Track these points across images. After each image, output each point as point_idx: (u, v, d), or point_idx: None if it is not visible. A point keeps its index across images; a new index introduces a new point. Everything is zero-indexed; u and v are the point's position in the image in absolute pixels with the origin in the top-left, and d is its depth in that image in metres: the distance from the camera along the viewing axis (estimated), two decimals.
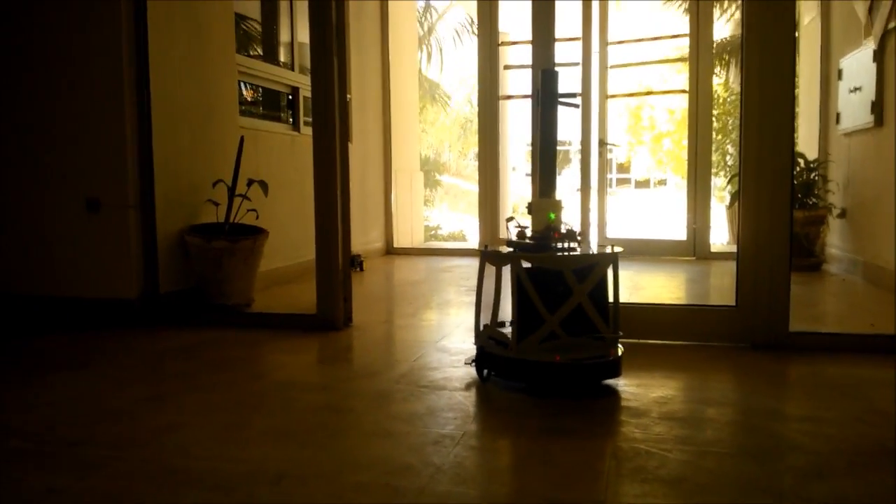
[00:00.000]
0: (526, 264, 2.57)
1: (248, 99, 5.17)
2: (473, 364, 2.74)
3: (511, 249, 2.68)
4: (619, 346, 2.62)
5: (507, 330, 2.70)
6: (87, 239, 3.78)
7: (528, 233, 2.73)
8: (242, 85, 4.95)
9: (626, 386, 2.62)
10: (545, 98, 2.92)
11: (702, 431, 2.19)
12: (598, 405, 2.44)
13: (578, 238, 2.70)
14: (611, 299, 2.64)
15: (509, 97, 7.29)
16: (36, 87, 3.82)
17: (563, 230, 2.68)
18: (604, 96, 6.84)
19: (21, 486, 1.82)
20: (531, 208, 2.77)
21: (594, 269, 2.57)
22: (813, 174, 5.87)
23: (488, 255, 2.75)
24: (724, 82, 9.93)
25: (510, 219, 2.93)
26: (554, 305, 2.51)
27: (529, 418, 2.32)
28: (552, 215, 2.69)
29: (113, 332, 3.56)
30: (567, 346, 2.51)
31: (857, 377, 2.79)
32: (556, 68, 3.39)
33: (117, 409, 2.42)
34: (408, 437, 2.13)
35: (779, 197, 3.16)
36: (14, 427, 2.25)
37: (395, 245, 7.29)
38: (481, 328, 2.76)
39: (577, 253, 2.65)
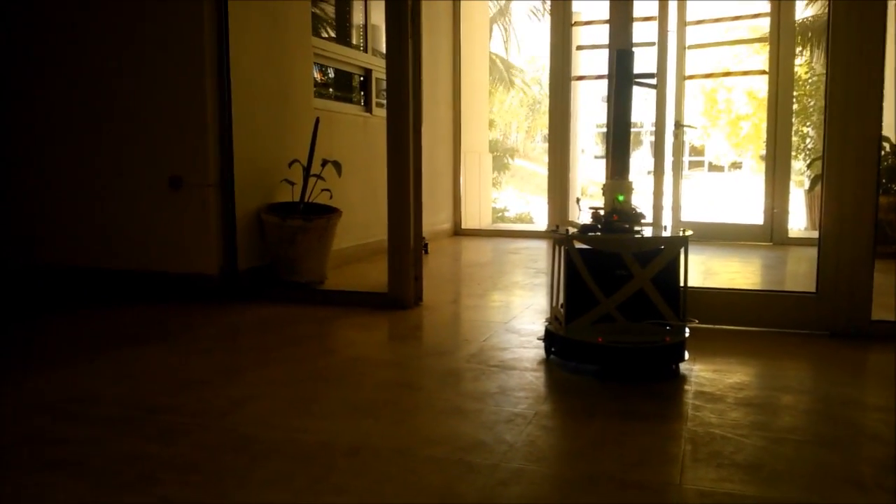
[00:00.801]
0: (583, 245, 2.60)
1: (321, 81, 5.25)
2: (543, 341, 2.79)
3: (566, 231, 2.70)
4: (685, 331, 2.59)
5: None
6: (170, 216, 3.92)
7: (602, 214, 2.72)
8: (315, 66, 5.02)
9: (700, 371, 2.58)
10: (620, 79, 2.88)
11: (779, 418, 2.15)
12: (670, 389, 2.41)
13: (642, 220, 2.67)
14: (681, 284, 2.62)
15: (581, 78, 7.19)
16: (125, 73, 3.96)
17: (633, 212, 2.66)
18: (681, 77, 6.67)
19: (110, 450, 1.91)
20: (604, 189, 2.77)
21: (660, 253, 2.55)
22: None
23: (553, 237, 2.80)
24: (806, 62, 9.57)
25: (578, 199, 3.05)
26: (612, 289, 2.53)
27: (601, 400, 2.31)
28: (620, 197, 2.67)
29: (193, 306, 3.69)
30: (622, 329, 2.52)
31: None
32: (632, 49, 3.34)
33: (198, 379, 2.52)
34: (480, 414, 2.16)
35: (864, 181, 3.04)
36: (102, 395, 2.37)
37: (464, 226, 7.31)
38: (552, 308, 2.79)
39: (639, 236, 2.63)
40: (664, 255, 2.54)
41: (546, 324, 2.80)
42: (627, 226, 2.64)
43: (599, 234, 2.63)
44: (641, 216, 2.66)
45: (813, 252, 3.20)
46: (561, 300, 2.72)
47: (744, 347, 2.97)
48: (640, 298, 2.53)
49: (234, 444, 1.95)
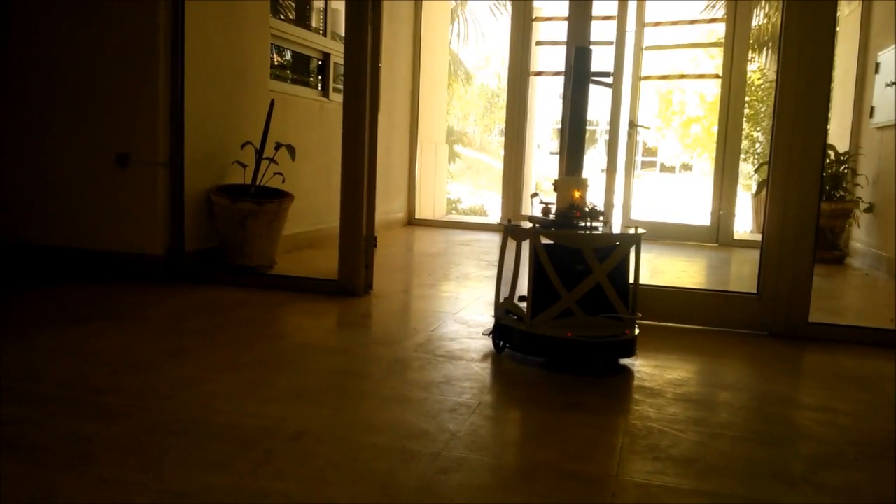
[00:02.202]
0: (546, 241, 2.60)
1: (279, 63, 5.18)
2: (490, 335, 2.79)
3: (532, 225, 2.69)
4: (636, 327, 2.65)
5: (525, 305, 2.71)
6: (117, 194, 3.83)
7: (552, 210, 2.74)
8: (273, 48, 4.95)
9: (642, 367, 2.63)
10: (577, 76, 2.91)
11: (715, 414, 2.21)
12: (612, 383, 2.46)
13: (601, 218, 2.70)
14: (631, 281, 2.68)
15: (539, 74, 7.24)
16: (72, 43, 3.85)
17: (587, 209, 2.68)
18: (637, 78, 6.77)
19: (49, 430, 1.87)
20: (557, 185, 2.77)
21: (615, 250, 2.58)
22: (843, 167, 5.80)
23: (510, 230, 2.78)
24: (760, 69, 9.78)
25: (535, 194, 2.95)
26: (572, 283, 2.54)
27: (545, 392, 2.34)
28: (577, 193, 2.70)
29: (138, 286, 3.62)
30: (582, 324, 2.55)
31: (874, 371, 2.79)
32: (591, 47, 3.37)
33: (141, 361, 2.48)
34: (424, 403, 2.17)
35: (808, 188, 3.14)
36: (44, 374, 2.31)
37: (417, 216, 7.32)
38: (501, 301, 2.78)
39: (599, 232, 2.66)
40: (619, 251, 2.59)
41: (495, 317, 2.78)
42: (586, 222, 2.68)
43: (561, 229, 2.64)
44: (600, 213, 2.70)
45: (757, 254, 3.28)
46: (515, 293, 2.74)
47: (685, 344, 3.04)
48: (595, 294, 2.57)
49: (175, 426, 1.92)
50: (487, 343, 2.81)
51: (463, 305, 3.58)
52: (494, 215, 8.93)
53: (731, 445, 1.94)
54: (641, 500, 1.61)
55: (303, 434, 1.89)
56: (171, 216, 3.83)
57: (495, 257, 5.58)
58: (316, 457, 1.77)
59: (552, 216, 2.72)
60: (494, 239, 6.52)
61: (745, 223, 8.11)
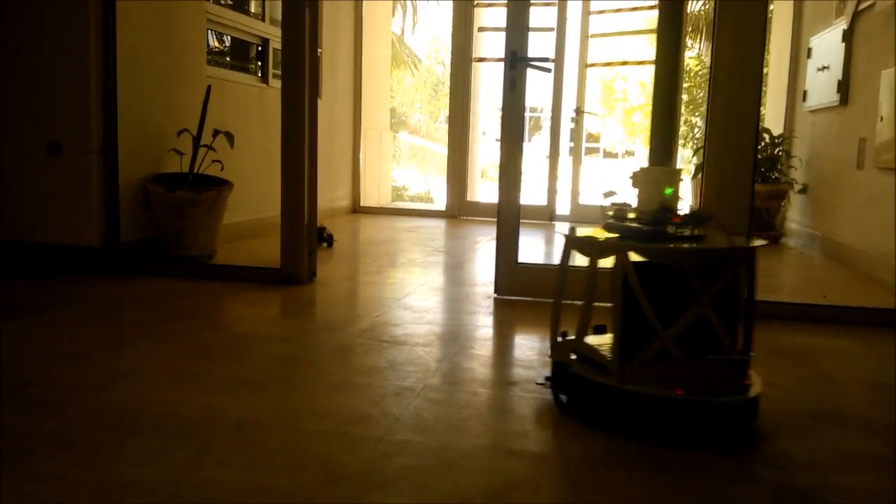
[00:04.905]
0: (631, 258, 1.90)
1: (217, 49, 5.08)
2: (547, 384, 2.12)
3: (612, 235, 1.99)
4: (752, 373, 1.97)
5: (600, 341, 2.07)
6: (48, 183, 3.71)
7: (629, 212, 2.04)
8: (211, 34, 4.85)
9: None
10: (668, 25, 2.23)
11: None
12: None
13: (706, 223, 2.00)
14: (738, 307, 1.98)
15: (482, 60, 7.25)
16: (3, 31, 3.71)
17: (687, 212, 2.01)
18: (583, 65, 6.83)
19: None
20: (637, 179, 2.06)
21: (725, 268, 1.87)
22: (777, 149, 5.96)
23: (577, 243, 2.09)
24: (698, 55, 9.97)
25: (610, 193, 2.13)
26: (665, 315, 1.85)
27: (489, 371, 2.35)
28: (669, 190, 2.00)
29: (72, 278, 3.52)
30: (685, 372, 1.87)
31: (808, 345, 2.88)
32: (532, 32, 3.40)
33: (75, 353, 2.41)
34: (368, 388, 2.16)
35: (741, 170, 3.22)
36: None
37: (362, 203, 7.27)
38: (563, 339, 2.10)
39: (708, 246, 1.93)
40: (728, 271, 1.87)
41: (554, 360, 2.07)
42: (688, 230, 1.96)
43: (657, 241, 1.92)
44: (705, 216, 2.03)
45: None
46: (586, 329, 2.03)
47: None
48: (692, 326, 1.87)
49: (111, 419, 1.88)
50: (432, 328, 2.81)
51: (408, 291, 3.57)
52: (440, 202, 8.95)
53: None
54: None
55: (244, 423, 1.87)
56: (105, 206, 3.73)
57: (441, 243, 5.62)
58: (257, 445, 1.74)
59: (631, 222, 2.00)
60: (440, 225, 6.52)
61: (685, 207, 8.28)
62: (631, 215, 2.01)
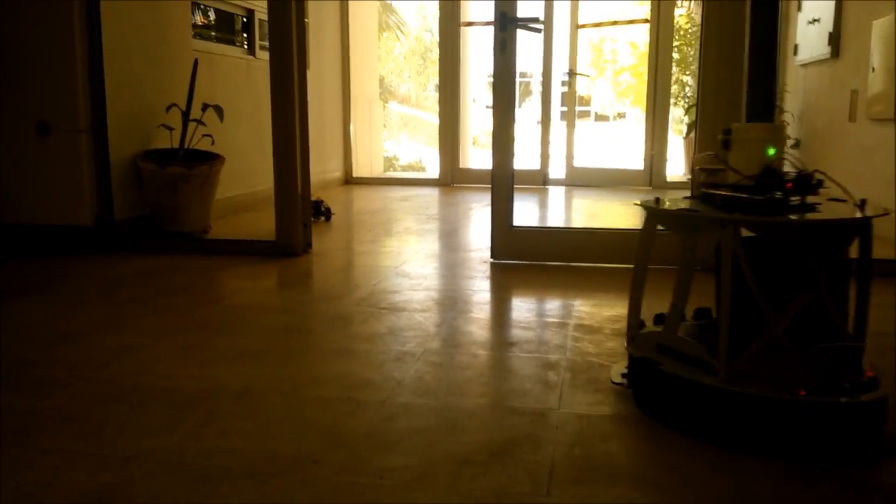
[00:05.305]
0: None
1: (202, 23, 5.01)
2: (624, 384, 1.85)
3: (704, 205, 1.70)
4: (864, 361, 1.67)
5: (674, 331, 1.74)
6: (39, 164, 3.68)
7: (719, 177, 1.74)
8: (196, 7, 4.79)
9: (580, 306, 2.68)
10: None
11: None
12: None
13: (818, 186, 1.66)
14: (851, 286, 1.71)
15: (470, 24, 7.18)
16: None
17: (796, 174, 1.65)
18: (574, 26, 6.77)
19: None
20: (728, 139, 1.73)
21: (845, 241, 1.63)
22: None
23: (666, 217, 1.77)
24: (688, 13, 9.89)
25: (705, 157, 1.84)
26: (776, 298, 1.59)
27: (489, 333, 2.37)
28: (772, 150, 1.67)
29: (68, 258, 3.51)
30: (802, 366, 1.60)
31: None
32: None
33: (75, 331, 2.41)
34: (368, 355, 2.17)
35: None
36: None
37: (355, 175, 7.25)
38: (645, 330, 1.85)
39: (826, 216, 1.61)
40: (847, 243, 1.64)
41: (636, 355, 1.78)
42: (800, 196, 1.65)
43: (774, 212, 1.61)
44: (816, 179, 1.66)
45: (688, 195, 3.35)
46: (678, 320, 1.75)
47: (621, 283, 3.09)
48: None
49: (114, 394, 1.89)
50: (430, 293, 2.82)
51: (404, 259, 3.58)
52: (432, 170, 8.93)
53: None
54: None
55: (246, 392, 1.88)
56: (97, 185, 3.71)
57: (434, 211, 5.61)
58: (260, 413, 1.76)
59: (724, 188, 1.68)
60: (433, 193, 6.51)
61: (678, 167, 8.27)
62: (720, 181, 1.71)
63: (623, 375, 1.86)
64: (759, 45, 1.87)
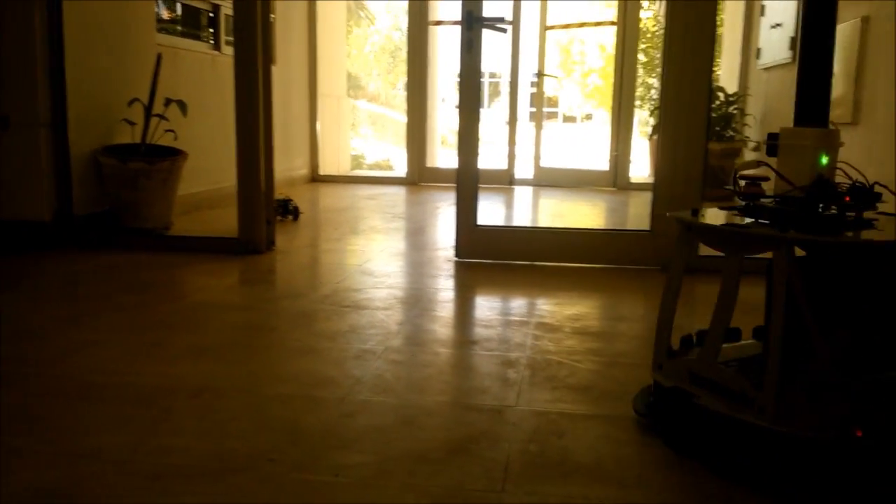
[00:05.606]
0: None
1: (168, 17, 4.95)
2: (645, 414, 1.67)
3: (748, 220, 1.52)
4: None
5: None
6: None
7: (762, 187, 1.58)
8: (160, 1, 4.72)
9: (542, 305, 2.70)
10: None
11: (612, 344, 2.30)
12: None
13: (877, 200, 1.47)
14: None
15: (439, 23, 7.19)
16: None
17: (853, 185, 1.47)
18: (543, 27, 6.81)
19: None
20: (781, 142, 1.57)
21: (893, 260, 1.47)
22: (732, 108, 6.04)
23: (710, 235, 1.57)
24: (654, 15, 10.00)
25: (749, 164, 1.62)
26: (828, 323, 1.46)
27: (451, 332, 2.38)
28: (824, 158, 1.50)
29: (26, 254, 3.45)
30: (848, 400, 1.42)
31: (760, 296, 2.94)
32: None
33: (31, 328, 2.37)
34: (330, 352, 2.17)
35: (695, 128, 3.26)
36: None
37: (321, 172, 7.21)
38: (675, 357, 1.65)
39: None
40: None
41: (666, 385, 1.60)
42: (857, 210, 1.47)
43: (825, 227, 1.47)
44: (875, 192, 1.47)
45: (651, 196, 3.39)
46: (715, 347, 1.54)
47: (584, 282, 3.13)
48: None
49: (69, 390, 1.86)
50: (392, 291, 2.82)
51: (369, 257, 3.57)
52: (400, 169, 8.92)
53: (625, 372, 2.03)
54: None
55: (204, 390, 1.86)
56: (56, 179, 3.65)
57: (401, 210, 5.61)
58: (218, 411, 1.75)
59: (778, 203, 1.52)
60: (400, 192, 6.51)
61: (643, 168, 8.36)
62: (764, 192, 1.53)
63: (646, 407, 1.67)
64: (814, 42, 1.68)
